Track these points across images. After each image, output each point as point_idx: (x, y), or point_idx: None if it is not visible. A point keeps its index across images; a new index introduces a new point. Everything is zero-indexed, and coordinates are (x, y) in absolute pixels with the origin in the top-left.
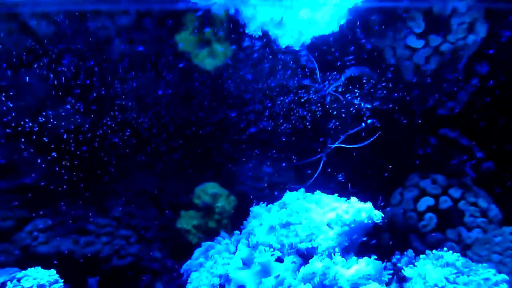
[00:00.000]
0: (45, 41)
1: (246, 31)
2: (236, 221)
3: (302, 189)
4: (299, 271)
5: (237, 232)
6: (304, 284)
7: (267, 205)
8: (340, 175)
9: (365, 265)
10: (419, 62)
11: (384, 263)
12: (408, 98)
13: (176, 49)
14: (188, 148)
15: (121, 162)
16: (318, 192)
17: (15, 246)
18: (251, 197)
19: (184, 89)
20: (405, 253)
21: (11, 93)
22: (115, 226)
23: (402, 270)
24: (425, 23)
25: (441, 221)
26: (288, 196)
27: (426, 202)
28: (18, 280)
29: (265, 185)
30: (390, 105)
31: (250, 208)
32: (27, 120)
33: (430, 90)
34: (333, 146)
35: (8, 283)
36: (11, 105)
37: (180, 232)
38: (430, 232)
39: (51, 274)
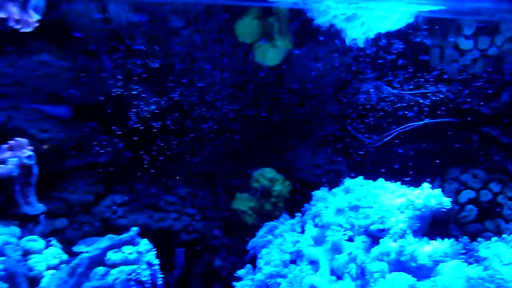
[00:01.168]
0: (122, 29)
1: (314, 23)
2: (290, 205)
3: (361, 177)
4: (369, 250)
5: (298, 214)
6: (379, 261)
7: (329, 190)
8: (383, 168)
9: (441, 244)
10: (466, 63)
11: (458, 242)
12: (453, 96)
13: (237, 40)
14: (245, 135)
15: (182, 146)
16: (381, 179)
17: (95, 218)
18: (310, 182)
19: (246, 78)
20: (459, 239)
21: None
22: (182, 204)
23: (478, 251)
24: (475, 27)
25: (480, 213)
26: (351, 182)
27: (467, 194)
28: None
29: (322, 172)
30: (434, 102)
31: (313, 192)
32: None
33: (475, 90)
34: (389, 137)
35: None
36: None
37: (236, 212)
38: (470, 223)
39: (146, 242)
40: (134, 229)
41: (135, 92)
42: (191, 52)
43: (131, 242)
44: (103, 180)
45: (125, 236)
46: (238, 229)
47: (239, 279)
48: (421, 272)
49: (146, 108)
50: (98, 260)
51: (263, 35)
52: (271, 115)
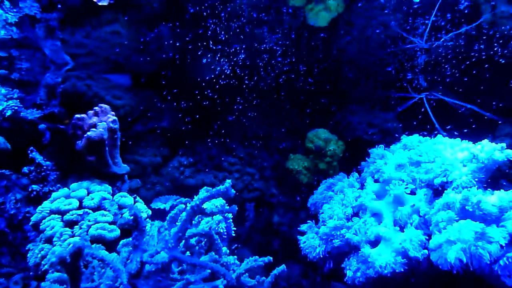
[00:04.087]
0: None
1: None
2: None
3: (416, 134)
4: (432, 203)
5: (355, 173)
6: (444, 211)
7: (384, 148)
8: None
9: (506, 194)
10: None
11: None
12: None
13: (288, 3)
14: (297, 98)
15: (237, 109)
16: (440, 135)
17: (165, 178)
18: (366, 143)
19: (299, 42)
20: None
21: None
22: (242, 164)
23: None
24: None
25: None
26: (409, 139)
27: None
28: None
29: (376, 131)
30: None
31: (370, 150)
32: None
33: None
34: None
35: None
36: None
37: (291, 172)
38: None
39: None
40: (228, 181)
41: (192, 58)
42: (245, 16)
43: (226, 193)
44: (168, 143)
45: (221, 187)
46: (293, 188)
47: (302, 233)
48: (489, 220)
49: (203, 74)
50: (200, 209)
51: None
52: (324, 77)
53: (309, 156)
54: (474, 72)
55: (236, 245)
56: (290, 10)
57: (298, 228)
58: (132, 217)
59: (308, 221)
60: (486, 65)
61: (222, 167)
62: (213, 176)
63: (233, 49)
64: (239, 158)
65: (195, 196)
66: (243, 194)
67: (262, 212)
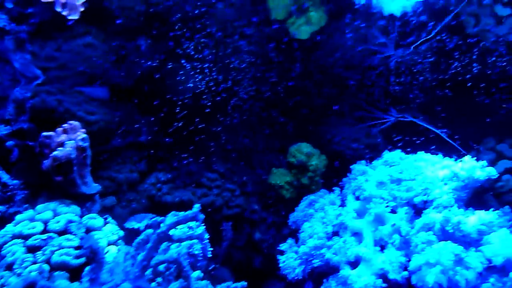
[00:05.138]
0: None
1: None
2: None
3: (399, 150)
4: (413, 222)
5: (337, 188)
6: (425, 231)
7: (366, 164)
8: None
9: (486, 214)
10: (503, 32)
11: (506, 213)
12: (487, 66)
13: (269, 16)
14: (280, 111)
15: (217, 123)
16: (421, 152)
17: (141, 195)
18: (348, 157)
19: (278, 54)
20: (500, 209)
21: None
22: (222, 180)
23: None
24: None
25: None
26: (390, 155)
27: (504, 164)
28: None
29: (362, 146)
30: (468, 76)
31: (351, 166)
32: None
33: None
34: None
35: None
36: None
37: (273, 187)
38: (507, 193)
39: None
40: (197, 206)
41: (171, 71)
42: (225, 28)
43: (195, 218)
44: (146, 159)
45: (189, 212)
46: (275, 203)
47: (282, 252)
48: (468, 242)
49: (182, 87)
50: (166, 235)
51: (296, 9)
52: (308, 90)
53: (291, 171)
54: (450, 86)
55: (213, 265)
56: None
57: (277, 248)
58: (88, 249)
59: (288, 240)
60: (468, 77)
61: (201, 183)
62: (191, 193)
63: (212, 63)
64: (219, 174)
65: (168, 215)
66: (222, 211)
67: (243, 229)
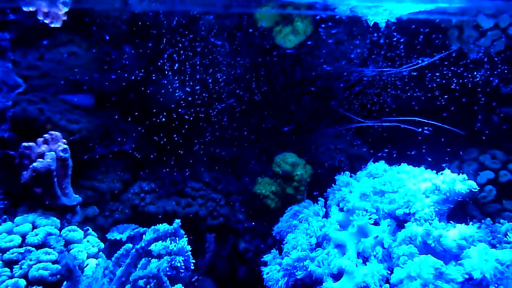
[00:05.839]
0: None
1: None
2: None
3: (382, 161)
4: (395, 234)
5: (321, 199)
6: (406, 244)
7: (350, 175)
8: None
9: (466, 228)
10: (486, 44)
11: (485, 226)
12: (471, 78)
13: (256, 24)
14: (263, 122)
15: (202, 132)
16: (404, 164)
17: (125, 205)
18: (333, 168)
19: (264, 63)
20: (482, 221)
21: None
22: (207, 190)
23: (506, 235)
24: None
25: (499, 194)
26: (374, 166)
27: (486, 175)
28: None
29: (342, 159)
30: (453, 85)
31: (336, 177)
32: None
33: (494, 71)
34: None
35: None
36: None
37: (258, 196)
38: (489, 203)
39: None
40: (177, 221)
41: (156, 80)
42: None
43: (175, 234)
44: (129, 168)
45: (169, 228)
46: (260, 212)
47: (265, 263)
48: (448, 255)
49: (167, 96)
50: (145, 251)
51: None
52: (291, 100)
53: (276, 181)
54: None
55: (196, 277)
56: (259, 31)
57: (261, 259)
58: (63, 267)
59: (272, 251)
60: (454, 87)
61: (185, 193)
62: (175, 203)
63: (197, 73)
64: (204, 183)
65: (148, 230)
66: (207, 221)
67: (228, 239)
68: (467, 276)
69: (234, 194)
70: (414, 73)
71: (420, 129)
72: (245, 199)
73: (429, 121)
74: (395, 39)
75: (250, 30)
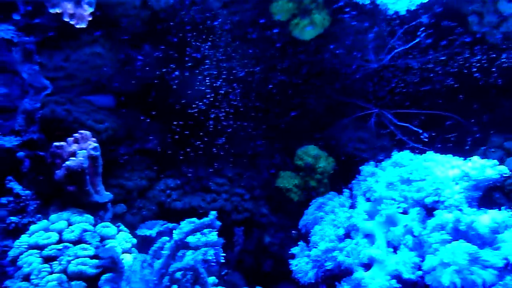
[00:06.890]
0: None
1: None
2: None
3: (407, 151)
4: (425, 222)
5: (346, 190)
6: (438, 231)
7: (375, 165)
8: (423, 136)
9: (499, 213)
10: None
11: None
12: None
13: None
14: (284, 115)
15: (224, 128)
16: (430, 152)
17: (151, 202)
18: (356, 159)
19: (283, 57)
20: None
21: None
22: (230, 185)
23: None
24: None
25: None
26: (399, 156)
27: None
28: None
29: (366, 147)
30: (473, 69)
31: (361, 167)
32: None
33: None
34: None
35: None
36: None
37: (281, 190)
38: None
39: None
40: (213, 213)
41: (178, 78)
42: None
43: (211, 225)
44: (154, 165)
45: (206, 219)
46: (284, 206)
47: (292, 256)
48: (481, 242)
49: (188, 93)
50: (183, 243)
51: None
52: (313, 92)
53: (299, 174)
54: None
55: (226, 270)
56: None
57: (289, 251)
58: (109, 259)
59: (299, 243)
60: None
61: (210, 188)
62: (200, 198)
63: (218, 69)
64: (227, 178)
65: (181, 223)
66: (232, 216)
67: (253, 233)
68: (505, 261)
69: (257, 188)
70: (438, 59)
71: (421, 131)
72: (269, 194)
73: (451, 114)
74: (417, 27)
75: (267, 24)
